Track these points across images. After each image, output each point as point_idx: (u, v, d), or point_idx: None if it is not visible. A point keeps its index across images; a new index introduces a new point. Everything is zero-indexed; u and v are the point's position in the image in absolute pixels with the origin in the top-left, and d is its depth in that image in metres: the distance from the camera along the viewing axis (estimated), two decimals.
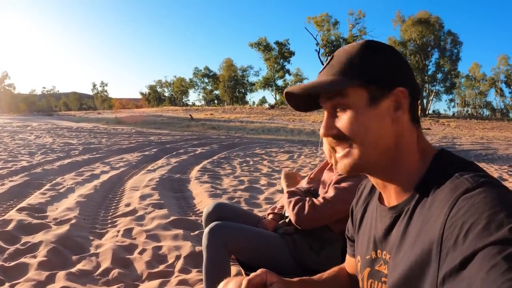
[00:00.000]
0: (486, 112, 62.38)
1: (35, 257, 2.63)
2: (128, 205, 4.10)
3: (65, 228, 3.17)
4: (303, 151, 10.16)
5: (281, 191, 4.72)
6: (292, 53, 61.00)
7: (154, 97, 77.06)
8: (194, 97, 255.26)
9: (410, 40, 47.88)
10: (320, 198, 1.76)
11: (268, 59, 61.20)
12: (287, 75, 62.62)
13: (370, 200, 0.88)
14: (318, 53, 52.37)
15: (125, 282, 2.34)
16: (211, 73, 71.05)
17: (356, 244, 0.91)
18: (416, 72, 46.54)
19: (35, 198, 4.20)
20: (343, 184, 1.73)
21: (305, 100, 0.79)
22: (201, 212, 3.80)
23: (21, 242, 2.90)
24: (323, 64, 0.78)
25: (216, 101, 71.99)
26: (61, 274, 2.36)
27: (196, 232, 3.17)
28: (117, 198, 4.53)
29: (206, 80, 72.40)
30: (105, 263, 2.57)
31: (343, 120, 0.71)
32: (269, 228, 1.96)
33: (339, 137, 0.73)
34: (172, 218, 3.50)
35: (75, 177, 5.54)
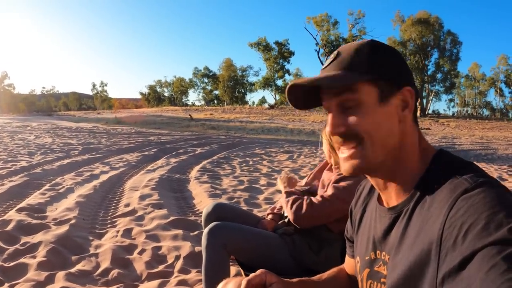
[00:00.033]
0: (486, 112, 62.32)
1: (34, 257, 2.62)
2: (127, 205, 4.10)
3: (64, 228, 3.17)
4: (303, 151, 10.15)
5: (281, 191, 4.71)
6: (291, 53, 60.95)
7: (153, 97, 76.95)
8: (193, 97, 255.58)
9: (410, 40, 47.79)
10: (318, 197, 1.75)
11: (267, 59, 61.07)
12: (286, 75, 62.51)
13: (369, 200, 0.88)
14: (318, 53, 52.35)
15: (124, 282, 2.33)
16: (211, 73, 70.98)
17: (355, 244, 0.90)
18: (416, 72, 46.51)
19: (34, 198, 4.20)
20: (342, 183, 1.72)
21: (306, 96, 0.77)
22: (201, 212, 3.79)
23: (21, 242, 2.89)
24: (322, 64, 0.77)
25: (215, 101, 71.90)
26: (60, 274, 2.36)
27: (196, 232, 3.17)
28: (116, 198, 4.52)
29: (206, 80, 72.34)
30: (105, 263, 2.56)
31: (353, 117, 0.69)
32: (269, 229, 1.96)
33: (347, 136, 0.70)
34: (171, 218, 3.49)
35: (75, 177, 5.53)
